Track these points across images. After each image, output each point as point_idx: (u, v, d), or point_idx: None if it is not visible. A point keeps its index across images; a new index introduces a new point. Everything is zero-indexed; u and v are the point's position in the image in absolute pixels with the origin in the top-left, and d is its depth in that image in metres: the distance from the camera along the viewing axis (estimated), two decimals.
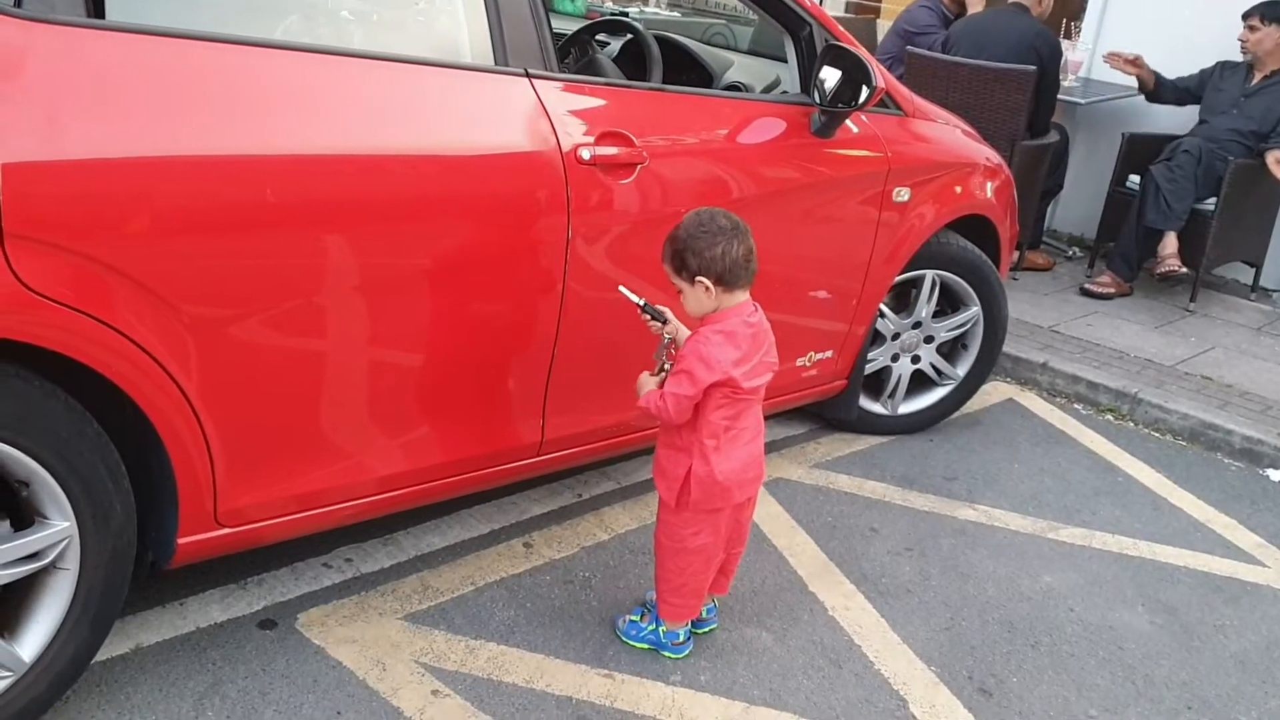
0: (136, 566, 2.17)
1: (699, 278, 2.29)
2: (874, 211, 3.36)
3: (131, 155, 1.91)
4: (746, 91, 3.32)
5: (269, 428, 2.26)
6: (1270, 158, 5.29)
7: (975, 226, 3.84)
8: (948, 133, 3.77)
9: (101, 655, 2.26)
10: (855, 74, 2.98)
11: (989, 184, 3.86)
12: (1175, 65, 5.73)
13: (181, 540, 2.19)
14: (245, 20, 2.30)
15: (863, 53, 3.02)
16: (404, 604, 2.66)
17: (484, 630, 2.60)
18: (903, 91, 3.57)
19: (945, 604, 2.97)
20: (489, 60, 2.47)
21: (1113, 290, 5.56)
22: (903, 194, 3.42)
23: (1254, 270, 5.86)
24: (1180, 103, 5.77)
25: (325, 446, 2.36)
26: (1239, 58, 5.57)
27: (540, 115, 2.49)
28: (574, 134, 2.52)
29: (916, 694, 2.59)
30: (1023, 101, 5.16)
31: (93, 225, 1.88)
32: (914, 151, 3.48)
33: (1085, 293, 5.57)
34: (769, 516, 3.26)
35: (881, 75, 3.01)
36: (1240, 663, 2.87)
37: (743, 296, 2.37)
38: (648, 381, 2.44)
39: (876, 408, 3.90)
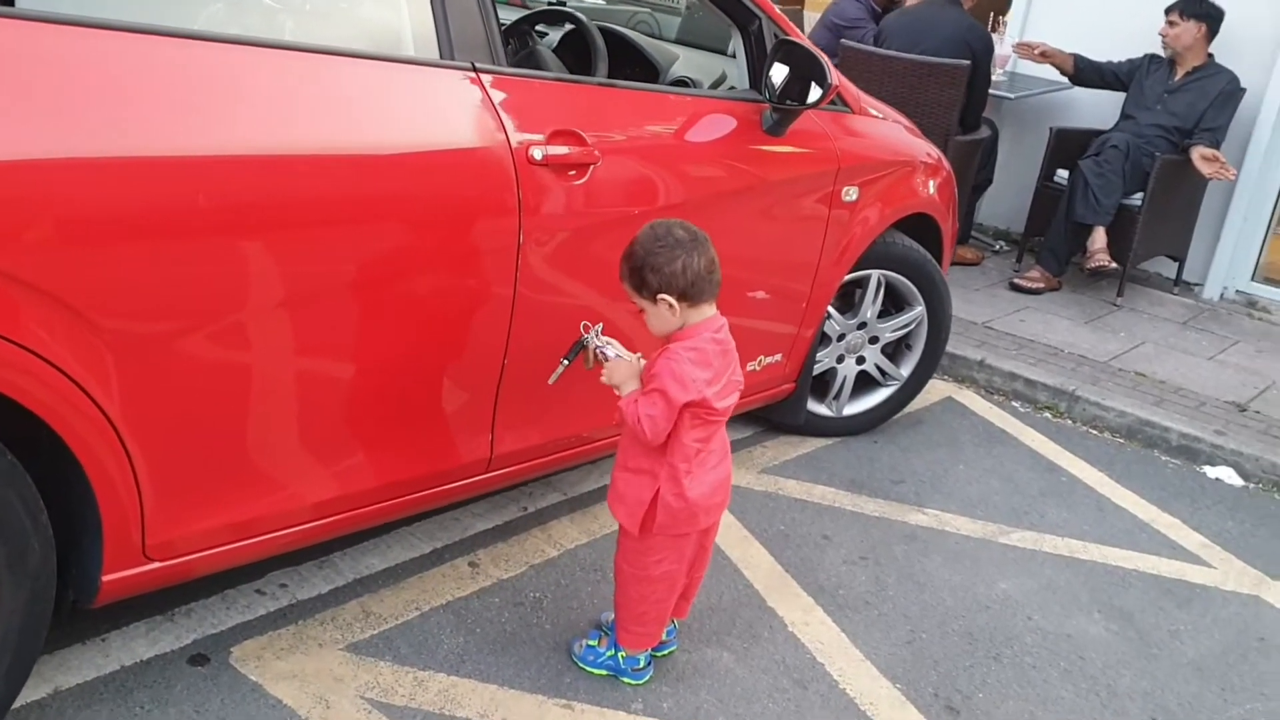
0: (56, 607, 1.98)
1: (661, 295, 2.17)
2: (824, 211, 3.28)
3: (33, 156, 1.72)
4: (695, 87, 3.20)
5: (201, 452, 2.08)
6: (1195, 154, 5.34)
7: (917, 224, 3.78)
8: (892, 129, 3.70)
9: (15, 703, 2.06)
10: (808, 70, 2.88)
11: (932, 181, 3.80)
12: (1102, 56, 5.75)
13: (106, 577, 2.01)
14: (164, 9, 2.11)
15: (815, 49, 2.92)
16: (345, 633, 2.50)
17: (432, 659, 2.45)
18: (850, 88, 3.48)
19: (904, 616, 2.90)
20: (433, 53, 2.32)
21: (1042, 285, 5.57)
22: (851, 193, 3.34)
23: (1177, 264, 5.93)
24: (1106, 86, 5.77)
25: (260, 471, 2.20)
26: (1164, 51, 5.62)
27: (488, 112, 2.34)
28: (524, 132, 2.38)
29: (884, 714, 2.51)
30: (956, 96, 5.13)
31: None
32: (862, 150, 3.40)
33: (1014, 287, 5.57)
34: (722, 526, 3.12)
35: (835, 72, 2.91)
36: (1198, 669, 2.85)
37: (710, 311, 2.25)
38: (624, 373, 2.27)
39: (822, 409, 3.82)
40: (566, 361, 2.34)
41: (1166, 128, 5.48)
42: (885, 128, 3.65)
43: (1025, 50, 5.78)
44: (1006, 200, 6.20)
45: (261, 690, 2.28)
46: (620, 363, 2.29)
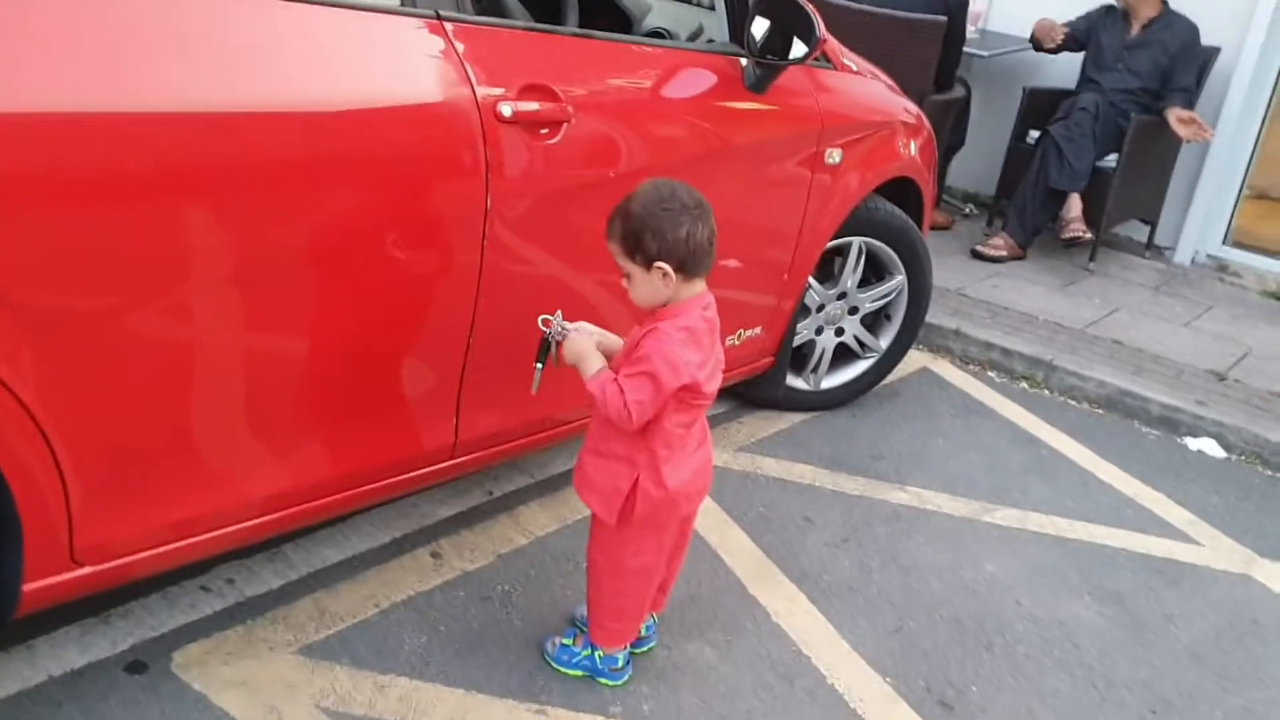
0: None
1: (659, 263, 1.97)
2: (806, 175, 3.09)
3: None
4: (672, 38, 2.99)
5: (137, 442, 1.87)
6: (1171, 115, 5.21)
7: (897, 188, 3.61)
8: (874, 87, 3.52)
9: None
10: (792, 24, 2.69)
11: (913, 142, 3.63)
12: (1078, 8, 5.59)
13: (28, 586, 1.79)
14: None
15: (802, 1, 2.72)
16: (298, 634, 2.30)
17: (393, 662, 2.27)
18: (832, 42, 3.29)
19: (890, 602, 2.76)
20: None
21: (1005, 253, 5.42)
22: (834, 155, 3.16)
23: (1149, 228, 5.82)
24: (1072, 50, 5.63)
25: (204, 462, 1.98)
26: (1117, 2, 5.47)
27: (454, 64, 2.12)
28: (492, 86, 2.16)
29: (875, 712, 2.37)
30: (933, 54, 4.96)
31: None
32: (845, 109, 3.22)
33: (976, 255, 5.42)
34: (700, 510, 2.98)
35: (821, 26, 2.72)
36: (1195, 656, 2.74)
37: (700, 286, 2.06)
38: (584, 347, 2.06)
39: (799, 383, 3.66)
40: (540, 365, 2.15)
41: (1133, 90, 5.34)
42: (868, 85, 3.47)
43: (1048, 31, 5.54)
44: (977, 162, 6.05)
45: (206, 701, 2.08)
46: (577, 336, 2.08)
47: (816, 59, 3.07)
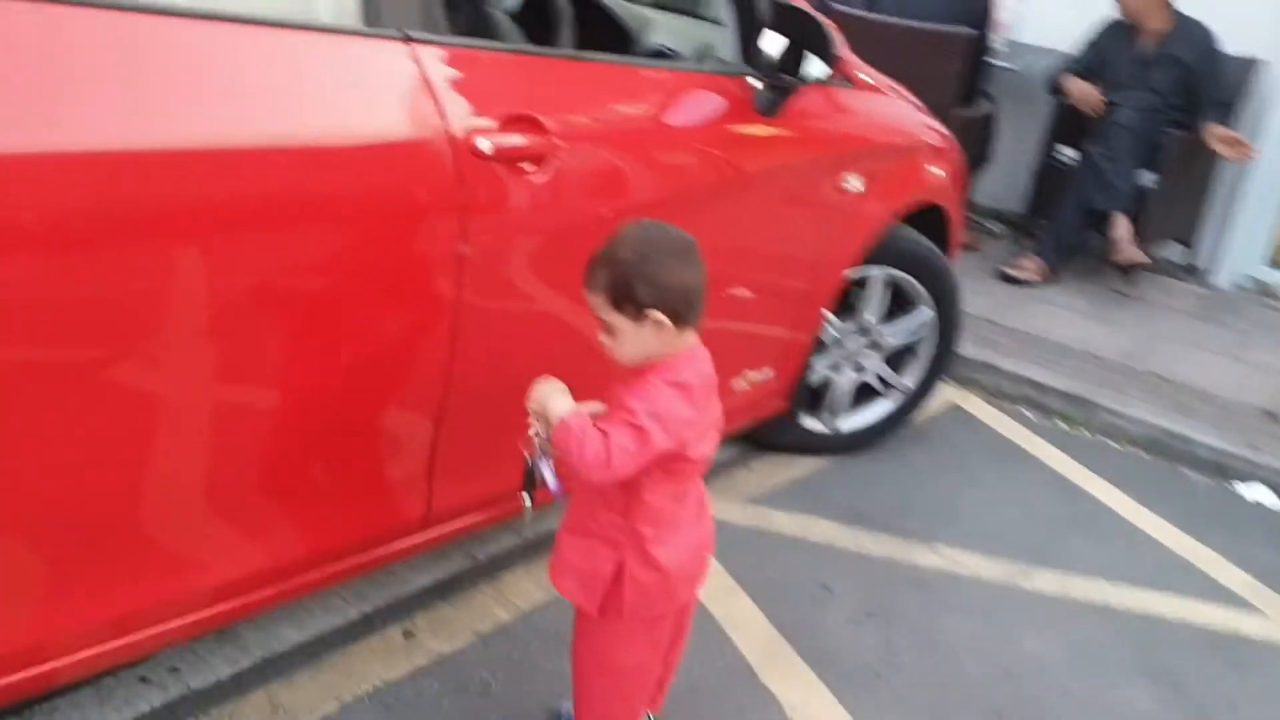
0: None
1: (651, 311, 1.68)
2: (822, 204, 2.80)
3: None
4: (675, 58, 2.70)
5: (65, 528, 1.58)
6: (1211, 135, 4.90)
7: (924, 213, 3.31)
8: (897, 106, 3.22)
9: None
10: (808, 40, 2.40)
11: (940, 166, 3.33)
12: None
13: None
14: None
15: (817, 14, 2.43)
16: None
17: None
18: (850, 58, 2.99)
19: (921, 689, 2.46)
20: (355, 19, 1.81)
21: (1034, 276, 5.11)
22: (855, 182, 2.86)
23: (1186, 249, 5.50)
24: (1089, 79, 5.31)
25: (145, 548, 1.71)
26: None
27: (424, 93, 1.83)
28: (468, 118, 1.88)
29: None
30: (957, 68, 4.65)
31: None
32: (865, 132, 2.93)
33: (1003, 277, 5.11)
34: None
35: (840, 43, 2.42)
36: None
37: (692, 338, 1.77)
38: (545, 391, 1.75)
39: (815, 425, 3.36)
40: (526, 494, 1.87)
41: (1159, 108, 5.00)
42: (890, 104, 3.17)
43: (1092, 103, 5.19)
44: (1003, 178, 5.74)
45: None
46: (539, 384, 1.77)
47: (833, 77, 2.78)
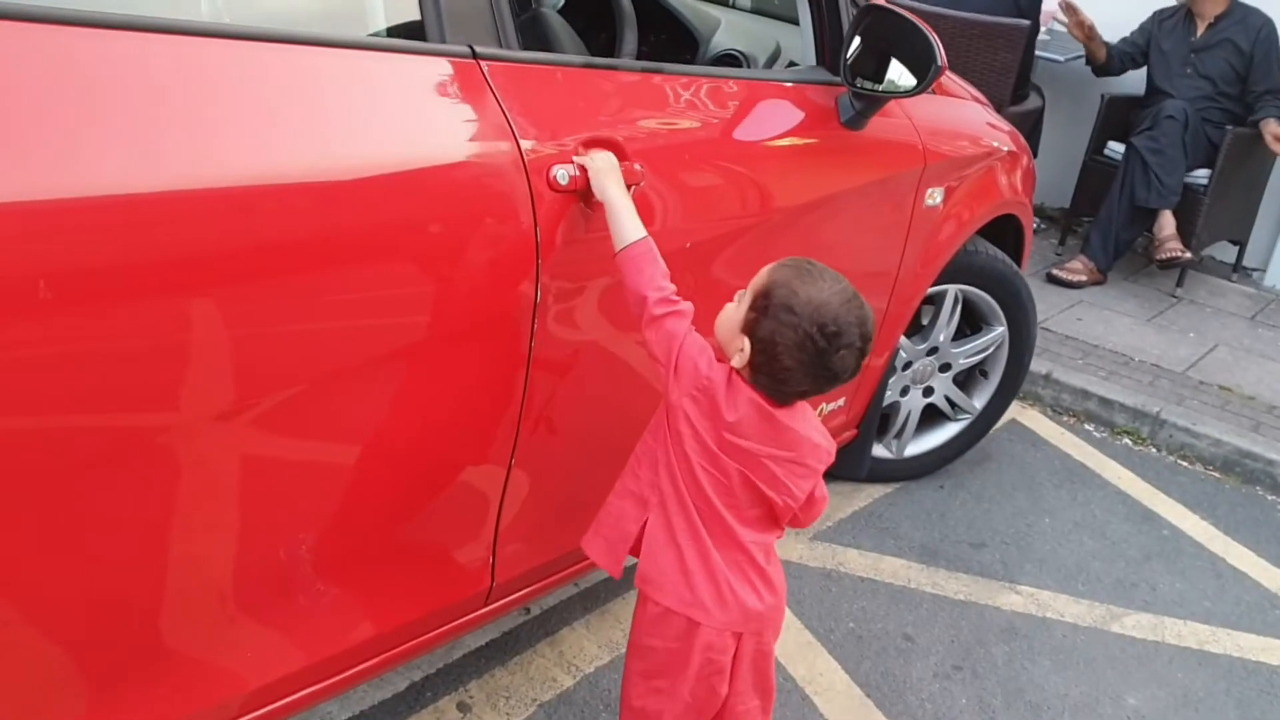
0: None
1: (748, 334, 1.61)
2: (904, 221, 2.57)
3: None
4: (748, 64, 2.47)
5: (89, 629, 1.36)
6: (1268, 131, 4.66)
7: (996, 224, 3.08)
8: (974, 113, 2.99)
9: None
10: (904, 47, 2.17)
11: (1017, 174, 3.10)
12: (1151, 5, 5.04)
13: None
14: None
15: (914, 17, 2.20)
16: None
17: None
18: None
19: None
20: (418, 34, 1.58)
21: (1085, 278, 4.88)
22: (936, 196, 2.64)
23: (1237, 248, 5.27)
24: (1134, 65, 5.09)
25: (181, 652, 1.48)
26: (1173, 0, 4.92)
27: (496, 116, 1.60)
28: (544, 144, 1.65)
29: None
30: (1013, 61, 4.41)
31: None
32: (947, 145, 2.68)
33: (1052, 279, 4.88)
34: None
35: (941, 49, 2.19)
36: None
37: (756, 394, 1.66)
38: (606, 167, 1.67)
39: (880, 451, 3.14)
40: None
41: (1210, 96, 4.79)
42: (968, 111, 2.94)
43: (1072, 16, 4.96)
44: (1046, 173, 5.46)
45: None
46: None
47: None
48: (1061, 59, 5.11)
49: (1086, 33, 4.93)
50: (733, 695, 1.71)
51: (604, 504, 1.74)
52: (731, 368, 1.60)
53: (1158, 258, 4.73)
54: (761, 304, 1.56)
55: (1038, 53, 4.96)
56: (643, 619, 1.69)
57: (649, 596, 1.66)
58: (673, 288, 1.64)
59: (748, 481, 1.60)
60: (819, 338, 1.52)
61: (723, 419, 1.58)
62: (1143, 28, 5.01)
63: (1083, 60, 5.16)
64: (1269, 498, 3.52)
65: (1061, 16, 5.03)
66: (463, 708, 2.14)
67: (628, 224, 1.64)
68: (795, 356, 1.53)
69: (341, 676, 1.70)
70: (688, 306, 1.63)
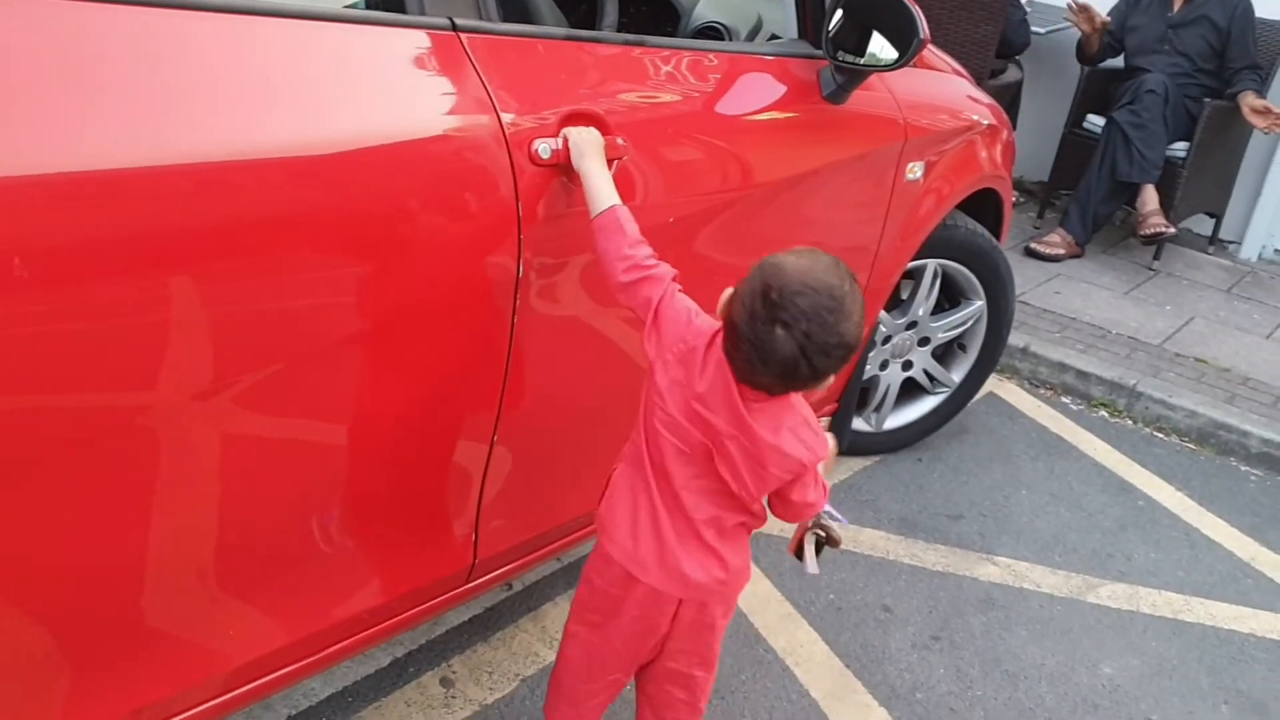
0: None
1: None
2: (884, 196, 2.57)
3: None
4: (729, 37, 2.46)
5: (77, 606, 1.35)
6: (1245, 104, 4.68)
7: (975, 198, 3.09)
8: (955, 86, 2.99)
9: None
10: (886, 20, 2.16)
11: (997, 147, 3.11)
12: None
13: None
14: None
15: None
16: None
17: None
18: None
19: None
20: (397, 6, 1.56)
21: (1063, 251, 4.91)
22: (916, 170, 2.64)
23: (1214, 221, 5.31)
24: (1114, 55, 5.11)
25: (166, 631, 1.47)
26: None
27: (477, 91, 1.59)
28: (524, 117, 1.64)
29: None
30: (993, 33, 4.42)
31: None
32: (928, 118, 2.68)
33: (1030, 253, 4.90)
34: (756, 597, 2.50)
35: (923, 21, 2.18)
36: None
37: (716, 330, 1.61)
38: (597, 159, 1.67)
39: (859, 424, 3.16)
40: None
41: (1187, 72, 4.81)
42: (949, 85, 2.94)
43: (1084, 11, 4.96)
44: (1025, 147, 5.46)
45: None
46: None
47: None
48: (1043, 31, 5.11)
49: (1096, 27, 4.93)
50: (672, 658, 1.69)
51: None
52: (714, 335, 1.55)
53: (1142, 233, 4.76)
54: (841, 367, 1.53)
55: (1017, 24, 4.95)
56: (594, 555, 1.69)
57: (599, 538, 1.67)
58: (645, 252, 1.61)
59: (709, 456, 1.55)
60: (759, 298, 1.45)
61: (693, 388, 1.54)
62: (1116, 9, 5.03)
63: (1061, 31, 5.16)
64: (1243, 468, 3.56)
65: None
66: (445, 683, 2.14)
67: (600, 194, 1.62)
68: (739, 312, 1.47)
69: (324, 654, 1.70)
70: (663, 271, 1.61)
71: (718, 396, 1.53)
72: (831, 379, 1.53)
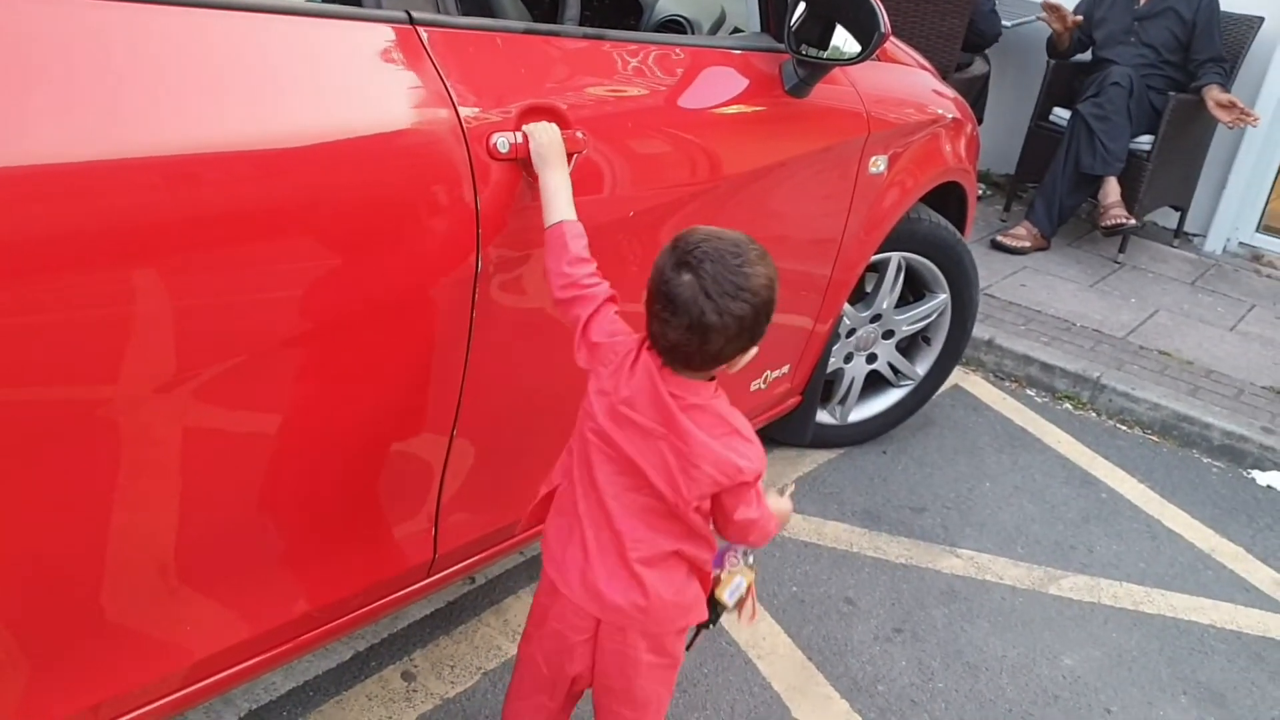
0: None
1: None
2: (847, 189, 2.58)
3: None
4: (693, 31, 2.45)
5: (35, 601, 1.34)
6: (1209, 98, 4.72)
7: (939, 191, 3.10)
8: (919, 80, 3.00)
9: None
10: (849, 14, 2.16)
11: (961, 141, 3.12)
12: None
13: None
14: None
15: None
16: None
17: None
18: None
19: (960, 718, 2.29)
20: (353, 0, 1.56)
21: (1028, 244, 4.94)
22: (879, 163, 2.65)
23: (1179, 214, 5.36)
24: (1083, 50, 5.16)
25: (124, 626, 1.46)
26: None
27: (434, 84, 1.58)
28: (483, 112, 1.63)
29: None
30: (959, 27, 4.44)
31: None
32: (891, 111, 2.69)
33: (997, 246, 4.93)
34: None
35: (884, 15, 2.19)
36: None
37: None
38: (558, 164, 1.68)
39: (824, 417, 3.17)
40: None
41: (1152, 64, 4.86)
42: (911, 78, 2.94)
43: (1055, 10, 5.03)
44: (991, 140, 5.51)
45: None
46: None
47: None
48: (1010, 24, 5.13)
49: (1067, 26, 4.98)
50: (600, 691, 1.67)
51: None
52: (640, 343, 1.54)
53: (1103, 224, 4.79)
54: (758, 332, 1.52)
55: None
56: None
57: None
58: (585, 271, 1.60)
59: (636, 469, 1.52)
60: (668, 253, 1.47)
61: (619, 393, 1.52)
62: (1084, 1, 5.07)
63: (1028, 25, 5.19)
64: (1205, 460, 3.60)
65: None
66: (407, 677, 2.14)
67: (553, 206, 1.62)
68: (653, 275, 1.48)
69: (285, 648, 1.69)
70: (598, 291, 1.59)
71: (644, 397, 1.51)
72: (753, 350, 1.52)
